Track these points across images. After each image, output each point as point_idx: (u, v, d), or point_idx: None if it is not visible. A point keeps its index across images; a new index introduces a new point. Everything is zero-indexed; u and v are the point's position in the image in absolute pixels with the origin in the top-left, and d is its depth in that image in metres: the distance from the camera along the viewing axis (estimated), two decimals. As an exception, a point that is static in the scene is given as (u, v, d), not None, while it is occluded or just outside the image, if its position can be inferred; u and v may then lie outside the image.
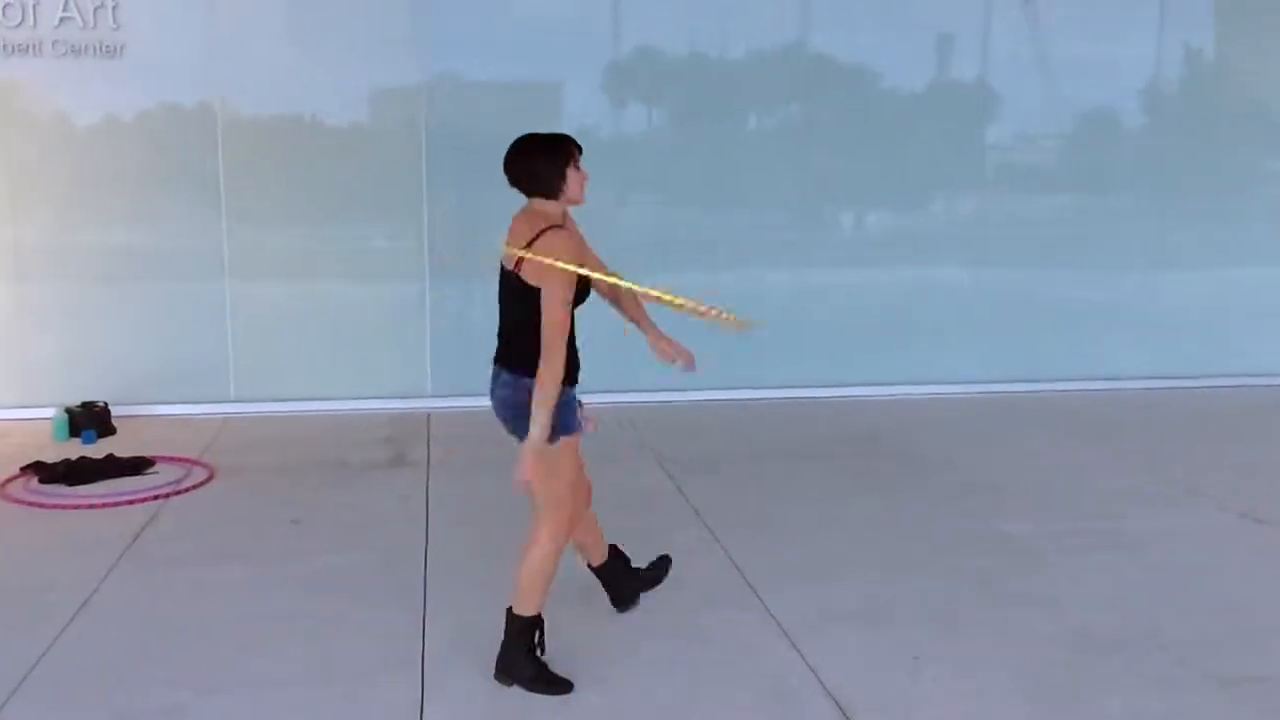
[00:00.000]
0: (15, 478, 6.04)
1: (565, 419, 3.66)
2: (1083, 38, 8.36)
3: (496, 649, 3.77)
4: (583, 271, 3.58)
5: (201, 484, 5.97)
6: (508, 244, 3.70)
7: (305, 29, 7.66)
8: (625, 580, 4.34)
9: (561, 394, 3.59)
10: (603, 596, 4.32)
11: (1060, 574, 4.76)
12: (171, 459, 6.40)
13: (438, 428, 7.23)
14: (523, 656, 3.74)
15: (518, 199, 3.78)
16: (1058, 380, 8.38)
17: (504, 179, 3.74)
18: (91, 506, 5.57)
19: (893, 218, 8.63)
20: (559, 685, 3.70)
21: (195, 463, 6.35)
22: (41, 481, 5.99)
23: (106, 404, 7.14)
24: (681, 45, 8.13)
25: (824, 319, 8.30)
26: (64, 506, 5.60)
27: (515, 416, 3.67)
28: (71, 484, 5.95)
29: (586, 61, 7.97)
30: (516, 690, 3.69)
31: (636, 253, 8.08)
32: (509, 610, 3.76)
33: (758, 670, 3.86)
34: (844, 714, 3.54)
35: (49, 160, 7.41)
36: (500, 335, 3.84)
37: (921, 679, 3.80)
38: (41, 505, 5.62)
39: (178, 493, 5.78)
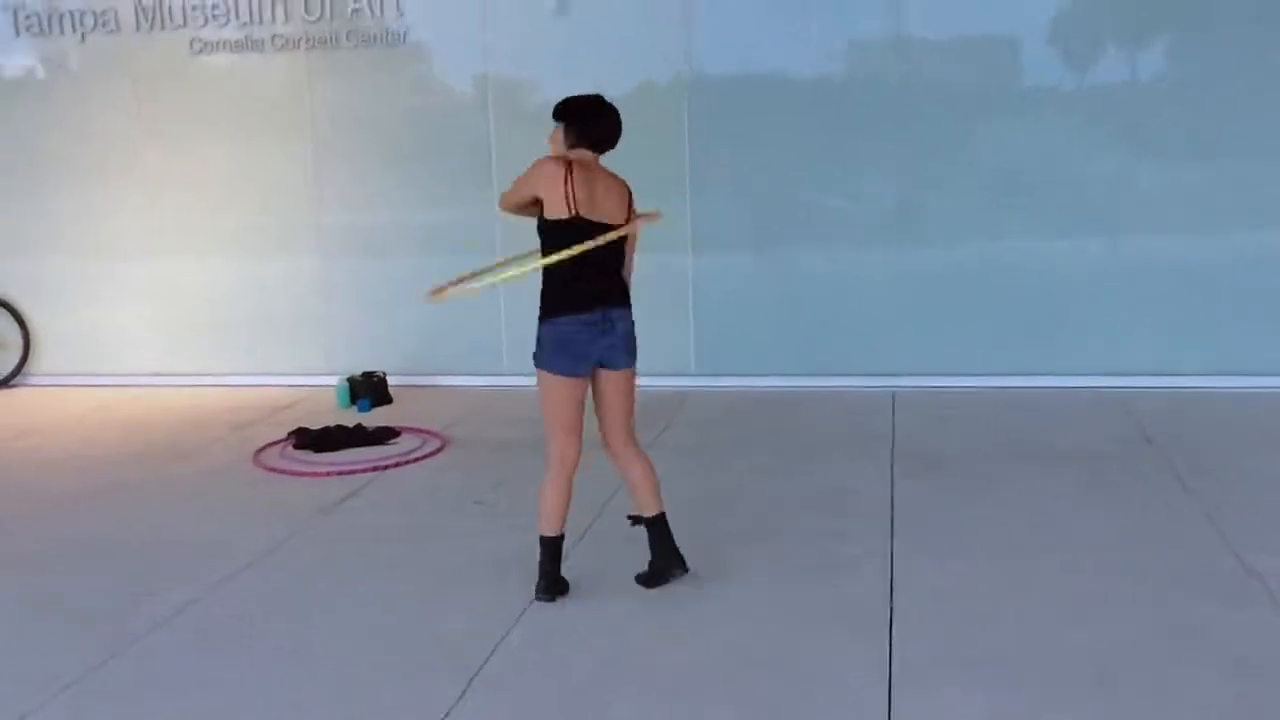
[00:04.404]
0: (277, 443, 6.55)
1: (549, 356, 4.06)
2: None
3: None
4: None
5: (424, 456, 6.16)
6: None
7: (575, 14, 7.68)
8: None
9: (552, 329, 4.05)
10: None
11: (1299, 633, 3.79)
12: (415, 430, 6.68)
13: (692, 408, 7.04)
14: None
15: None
16: None
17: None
18: (313, 474, 5.91)
19: (1246, 176, 7.28)
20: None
21: (433, 434, 6.58)
22: (295, 447, 6.46)
23: (384, 374, 7.59)
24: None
25: (1168, 295, 7.22)
26: (288, 472, 5.96)
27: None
28: (319, 450, 6.37)
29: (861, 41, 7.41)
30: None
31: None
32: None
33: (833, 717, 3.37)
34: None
35: (345, 145, 7.97)
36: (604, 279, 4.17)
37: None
38: (280, 471, 6.03)
39: (396, 464, 6.01)
